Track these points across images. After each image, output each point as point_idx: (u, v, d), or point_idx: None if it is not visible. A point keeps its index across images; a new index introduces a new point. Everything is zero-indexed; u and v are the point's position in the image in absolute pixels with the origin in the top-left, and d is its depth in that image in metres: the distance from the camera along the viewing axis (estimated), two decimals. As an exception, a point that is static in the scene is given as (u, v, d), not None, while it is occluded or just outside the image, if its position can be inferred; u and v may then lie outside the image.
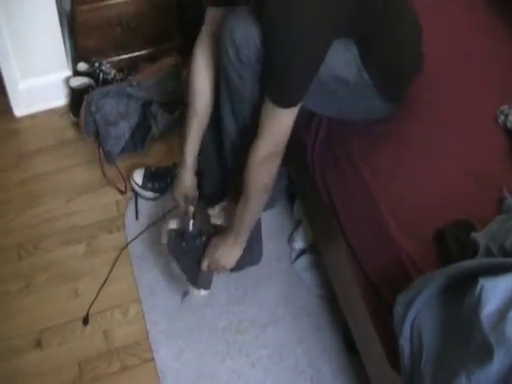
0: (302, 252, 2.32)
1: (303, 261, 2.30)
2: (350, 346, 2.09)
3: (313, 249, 2.30)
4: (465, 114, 1.88)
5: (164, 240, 2.02)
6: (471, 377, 1.18)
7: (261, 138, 1.67)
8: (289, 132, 1.67)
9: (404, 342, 1.39)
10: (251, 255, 2.01)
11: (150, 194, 2.43)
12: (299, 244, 2.33)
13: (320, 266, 2.27)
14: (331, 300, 2.19)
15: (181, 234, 1.99)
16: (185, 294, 2.14)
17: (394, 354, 1.50)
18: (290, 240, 2.36)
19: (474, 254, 1.39)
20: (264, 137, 1.67)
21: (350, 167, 1.82)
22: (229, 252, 1.91)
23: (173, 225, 2.01)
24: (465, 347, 1.23)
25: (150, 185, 2.42)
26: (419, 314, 1.36)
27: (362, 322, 1.79)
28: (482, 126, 1.85)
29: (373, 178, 1.75)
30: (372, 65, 1.70)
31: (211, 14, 1.84)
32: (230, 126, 1.87)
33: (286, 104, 1.60)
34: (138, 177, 2.42)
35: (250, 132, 1.74)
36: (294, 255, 2.33)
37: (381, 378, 1.81)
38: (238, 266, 1.99)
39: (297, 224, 2.39)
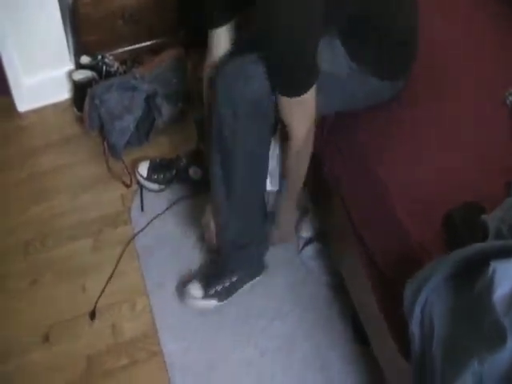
0: (309, 241, 2.30)
1: (310, 249, 2.29)
2: (359, 336, 2.07)
3: (320, 237, 2.29)
4: (472, 99, 1.86)
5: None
6: (483, 362, 1.16)
7: (293, 134, 1.72)
8: (314, 112, 1.70)
9: (414, 328, 1.37)
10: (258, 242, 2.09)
11: (155, 186, 2.42)
12: (306, 233, 2.31)
13: (327, 255, 2.25)
14: (339, 289, 2.17)
15: None
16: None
17: (405, 342, 1.48)
18: (297, 229, 2.33)
19: (483, 237, 1.37)
20: (294, 129, 1.72)
21: (355, 155, 1.81)
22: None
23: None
24: (476, 332, 1.21)
25: (155, 176, 2.40)
26: (429, 299, 1.34)
27: (372, 312, 1.78)
28: (489, 110, 1.83)
29: (380, 164, 1.74)
30: (358, 54, 1.70)
31: (214, 35, 1.84)
32: (218, 173, 1.88)
33: (300, 92, 1.61)
34: (143, 169, 2.40)
35: (236, 178, 1.84)
36: (300, 244, 2.31)
37: (393, 368, 1.79)
38: (247, 261, 2.11)
39: (303, 212, 2.37)
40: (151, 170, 2.40)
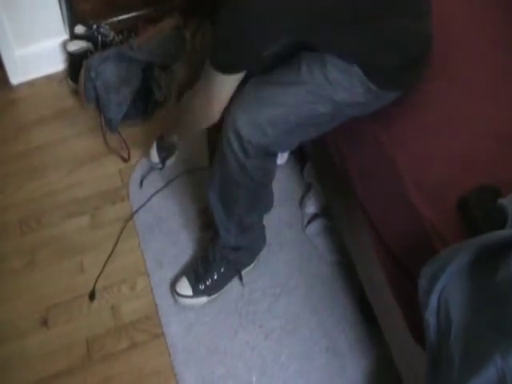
0: (314, 217, 2.24)
1: (315, 226, 2.23)
2: (366, 315, 2.02)
3: (325, 213, 2.23)
4: (486, 75, 1.77)
5: None
6: (507, 357, 1.09)
7: (199, 90, 1.70)
8: (222, 103, 1.67)
9: (430, 317, 1.31)
10: (250, 240, 2.04)
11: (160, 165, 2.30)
12: (310, 208, 2.25)
13: (333, 231, 2.19)
14: (345, 266, 2.12)
15: None
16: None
17: (417, 325, 1.44)
18: (301, 205, 2.28)
19: (502, 222, 1.30)
20: (200, 91, 1.69)
21: (365, 132, 1.72)
22: None
23: None
24: (499, 324, 1.14)
25: (163, 154, 2.25)
26: (446, 288, 1.27)
27: (381, 292, 1.72)
28: (504, 86, 1.74)
29: (390, 143, 1.65)
30: (377, 76, 1.61)
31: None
32: (215, 202, 1.88)
33: (220, 67, 1.57)
34: (155, 157, 2.22)
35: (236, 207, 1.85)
36: (305, 220, 2.25)
37: (402, 349, 1.74)
38: (248, 262, 2.08)
39: (307, 188, 2.30)
40: (160, 151, 2.21)
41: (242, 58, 1.55)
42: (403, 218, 1.57)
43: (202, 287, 2.02)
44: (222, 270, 2.02)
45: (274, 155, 1.75)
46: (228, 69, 1.56)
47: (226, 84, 1.61)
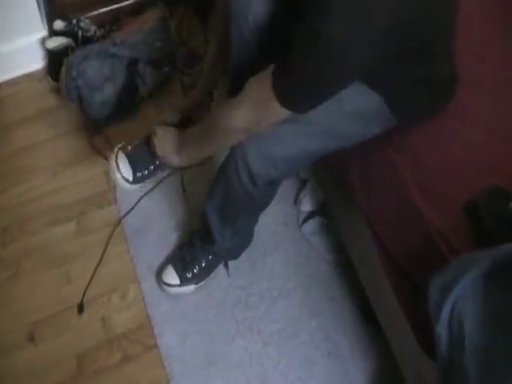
0: (310, 215, 2.16)
1: (311, 224, 2.15)
2: (368, 316, 1.94)
3: (322, 211, 2.14)
4: (495, 75, 1.68)
5: None
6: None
7: (246, 110, 1.49)
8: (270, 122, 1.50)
9: (441, 330, 1.24)
10: (242, 240, 1.99)
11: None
12: (306, 206, 2.17)
13: (330, 230, 2.11)
14: (344, 266, 2.05)
15: None
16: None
17: (424, 334, 1.40)
18: (297, 202, 2.19)
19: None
20: (251, 112, 1.48)
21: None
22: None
23: None
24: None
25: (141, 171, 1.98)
26: (459, 301, 1.20)
27: (385, 296, 1.65)
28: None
29: (392, 145, 1.57)
30: (400, 108, 1.54)
31: None
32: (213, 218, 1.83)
33: (291, 108, 1.40)
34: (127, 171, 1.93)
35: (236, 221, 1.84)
36: (301, 218, 2.17)
37: (409, 357, 1.67)
38: (234, 255, 2.01)
39: (303, 184, 2.21)
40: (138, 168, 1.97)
41: (320, 99, 1.40)
42: (407, 223, 1.50)
43: (189, 275, 1.96)
44: (210, 257, 1.96)
45: (278, 185, 1.72)
46: (297, 108, 1.42)
47: (280, 115, 1.44)
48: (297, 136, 1.54)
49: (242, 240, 1.98)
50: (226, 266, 2.02)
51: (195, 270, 1.96)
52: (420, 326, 1.47)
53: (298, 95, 1.38)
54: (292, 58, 1.32)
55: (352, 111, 1.51)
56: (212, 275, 2.00)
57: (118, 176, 1.83)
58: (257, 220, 1.92)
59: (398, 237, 1.53)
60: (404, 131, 1.60)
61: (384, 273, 1.61)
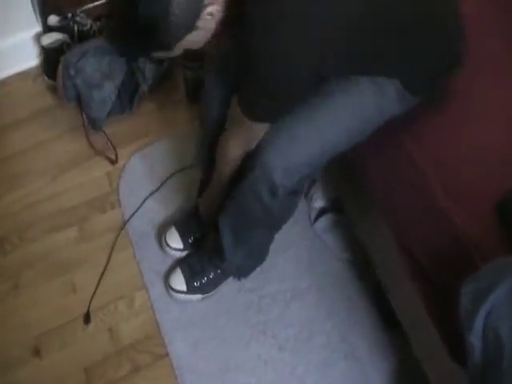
0: (322, 211, 2.07)
1: (324, 221, 2.07)
2: (385, 316, 1.88)
3: (334, 207, 2.06)
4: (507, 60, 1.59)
5: None
6: None
7: (232, 139, 1.56)
8: (261, 136, 1.50)
9: (474, 340, 1.16)
10: (255, 260, 1.92)
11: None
12: (318, 202, 2.09)
13: (343, 226, 2.03)
14: (358, 264, 1.98)
15: None
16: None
17: (451, 339, 1.36)
18: (308, 198, 2.11)
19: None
20: (235, 139, 1.55)
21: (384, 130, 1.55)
22: None
23: None
24: None
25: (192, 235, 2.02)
26: (495, 309, 1.12)
27: (407, 298, 1.59)
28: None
29: (413, 142, 1.48)
30: (416, 86, 1.47)
31: None
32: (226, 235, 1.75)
33: (261, 119, 1.45)
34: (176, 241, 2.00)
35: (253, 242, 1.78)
36: (312, 215, 2.08)
37: (432, 359, 1.61)
38: (244, 273, 1.94)
39: (312, 181, 2.12)
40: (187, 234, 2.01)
41: (285, 107, 1.41)
42: (430, 223, 1.42)
43: (196, 284, 1.89)
44: (219, 271, 1.89)
45: (300, 193, 1.64)
46: (268, 118, 1.44)
47: (260, 129, 1.49)
48: (320, 133, 1.47)
49: (255, 260, 1.91)
50: (239, 279, 1.95)
51: (203, 281, 1.89)
52: (447, 332, 1.41)
53: (257, 105, 1.40)
54: (242, 76, 1.38)
55: (372, 100, 1.46)
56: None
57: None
58: (273, 239, 1.83)
59: (422, 238, 1.45)
60: (421, 121, 1.52)
61: (407, 275, 1.54)
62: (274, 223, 1.71)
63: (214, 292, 1.91)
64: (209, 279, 1.88)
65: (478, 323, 1.14)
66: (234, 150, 1.56)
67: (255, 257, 1.88)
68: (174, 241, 1.96)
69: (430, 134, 1.50)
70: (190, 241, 1.96)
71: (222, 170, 1.65)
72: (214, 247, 1.83)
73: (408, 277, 1.54)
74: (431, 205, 1.39)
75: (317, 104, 1.46)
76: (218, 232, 1.75)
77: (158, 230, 2.04)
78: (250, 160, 1.52)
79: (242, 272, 1.92)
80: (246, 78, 1.37)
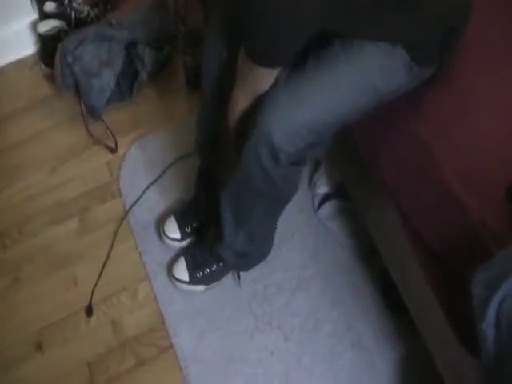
0: (326, 198, 2.04)
1: (328, 208, 2.03)
2: (391, 303, 1.85)
3: (339, 193, 2.02)
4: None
5: None
6: None
7: (240, 91, 1.49)
8: (269, 85, 1.45)
9: (487, 328, 1.14)
10: (256, 247, 1.84)
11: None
12: (322, 188, 2.05)
13: (348, 213, 2.00)
14: (365, 251, 1.94)
15: None
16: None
17: (462, 327, 1.33)
18: (311, 184, 2.07)
19: None
20: (243, 90, 1.49)
21: (393, 113, 1.51)
22: None
23: None
24: None
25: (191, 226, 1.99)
26: (508, 297, 1.10)
27: (417, 285, 1.55)
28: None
29: (422, 125, 1.43)
30: (419, 52, 1.41)
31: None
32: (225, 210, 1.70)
33: (270, 65, 1.39)
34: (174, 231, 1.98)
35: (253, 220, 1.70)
36: (316, 202, 2.05)
37: (442, 348, 1.57)
38: (244, 264, 1.88)
39: (317, 164, 2.09)
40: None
41: (285, 46, 1.34)
42: (442, 210, 1.37)
43: (199, 275, 1.86)
44: (221, 264, 1.86)
45: (303, 164, 1.56)
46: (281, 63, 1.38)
47: (267, 76, 1.43)
48: (323, 95, 1.42)
49: (256, 249, 1.85)
50: (238, 276, 1.90)
51: (205, 272, 1.86)
52: (458, 319, 1.37)
53: (263, 49, 1.34)
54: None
55: (377, 64, 1.40)
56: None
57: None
58: (275, 224, 1.79)
59: (433, 224, 1.41)
60: (430, 102, 1.47)
61: (416, 262, 1.51)
62: (276, 196, 1.63)
63: (216, 284, 1.88)
64: (211, 271, 1.85)
65: (491, 311, 1.12)
66: (242, 101, 1.50)
67: (256, 244, 1.82)
68: (172, 231, 1.93)
69: (440, 115, 1.45)
70: (187, 230, 1.93)
71: (232, 126, 1.59)
72: (214, 239, 1.79)
73: (417, 264, 1.50)
74: (442, 190, 1.35)
75: (321, 69, 1.41)
76: (218, 210, 1.71)
77: (157, 221, 2.01)
78: (251, 121, 1.47)
79: (243, 264, 1.88)
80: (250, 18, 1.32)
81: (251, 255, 1.85)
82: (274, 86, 1.43)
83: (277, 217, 1.76)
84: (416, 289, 1.59)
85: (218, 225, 1.73)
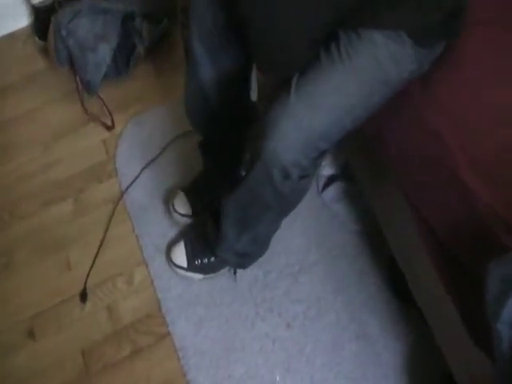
0: (331, 179, 1.97)
1: (333, 190, 1.96)
2: (397, 292, 1.79)
3: (344, 174, 1.95)
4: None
5: None
6: None
7: None
8: None
9: (503, 327, 1.07)
10: (257, 249, 1.79)
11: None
12: (327, 170, 1.98)
13: (354, 195, 1.93)
14: (371, 235, 1.87)
15: None
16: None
17: (474, 323, 1.27)
18: (316, 165, 1.99)
19: None
20: None
21: (401, 100, 1.43)
22: None
23: None
24: None
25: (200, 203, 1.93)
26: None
27: (426, 277, 1.49)
28: None
29: (430, 108, 1.35)
30: (422, 36, 1.33)
31: None
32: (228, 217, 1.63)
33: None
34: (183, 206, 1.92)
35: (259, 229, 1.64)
36: (321, 184, 1.98)
37: (452, 344, 1.51)
38: (244, 262, 1.81)
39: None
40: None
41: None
42: (452, 198, 1.30)
43: (197, 263, 1.80)
44: (220, 259, 1.80)
45: (312, 176, 1.48)
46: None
47: None
48: (336, 99, 1.34)
49: (257, 249, 1.78)
50: (235, 272, 1.84)
51: (204, 261, 1.79)
52: (469, 313, 1.31)
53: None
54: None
55: (386, 55, 1.33)
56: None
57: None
58: (279, 226, 1.71)
59: (444, 214, 1.34)
60: (442, 90, 1.38)
61: (425, 251, 1.43)
62: (284, 207, 1.58)
63: (214, 275, 1.82)
64: (209, 262, 1.79)
65: (508, 309, 1.05)
66: None
67: (259, 245, 1.76)
68: (183, 207, 1.87)
69: (449, 100, 1.37)
70: (199, 206, 1.87)
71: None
72: (214, 238, 1.73)
73: (426, 253, 1.43)
74: (452, 176, 1.27)
75: (329, 69, 1.33)
76: (219, 219, 1.64)
77: (158, 194, 1.95)
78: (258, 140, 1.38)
79: (242, 263, 1.81)
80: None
81: (251, 255, 1.79)
82: (285, 92, 1.34)
83: (281, 221, 1.68)
84: (425, 281, 1.53)
85: (219, 225, 1.67)
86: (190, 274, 1.80)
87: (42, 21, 2.18)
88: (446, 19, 1.34)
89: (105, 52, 2.06)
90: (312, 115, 1.31)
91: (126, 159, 2.04)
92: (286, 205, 1.54)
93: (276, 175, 1.35)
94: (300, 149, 1.32)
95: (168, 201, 1.90)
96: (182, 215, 1.87)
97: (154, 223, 1.92)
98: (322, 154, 1.38)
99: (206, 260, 1.79)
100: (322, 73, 1.33)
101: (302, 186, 1.46)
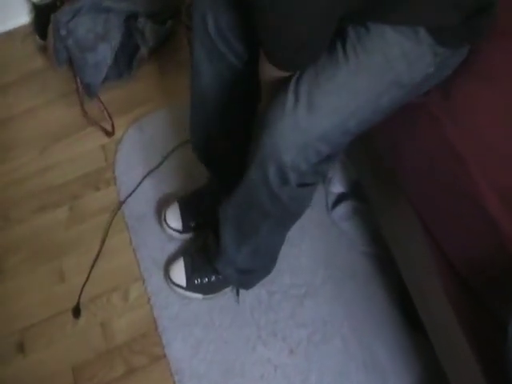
0: (342, 197, 1.90)
1: (343, 208, 1.89)
2: (410, 319, 1.70)
3: (355, 192, 1.89)
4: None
5: None
6: None
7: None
8: None
9: None
10: (264, 271, 1.73)
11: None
12: (337, 187, 1.91)
13: (365, 215, 1.86)
14: (382, 258, 1.80)
15: None
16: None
17: (489, 364, 1.21)
18: (325, 182, 1.92)
19: None
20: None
21: (415, 107, 1.36)
22: None
23: None
24: None
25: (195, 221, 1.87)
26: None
27: (439, 309, 1.41)
28: None
29: (456, 132, 1.27)
30: (442, 33, 1.25)
31: None
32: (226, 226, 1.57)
33: (293, 69, 1.29)
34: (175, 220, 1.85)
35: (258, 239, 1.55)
36: (330, 201, 1.91)
37: (460, 369, 1.43)
38: (249, 284, 1.75)
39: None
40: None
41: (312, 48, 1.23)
42: (471, 225, 1.24)
43: (197, 282, 1.72)
44: (221, 277, 1.72)
45: (314, 185, 1.42)
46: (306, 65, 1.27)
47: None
48: (345, 98, 1.27)
49: (260, 266, 1.71)
50: (237, 293, 1.76)
51: (204, 281, 1.72)
52: (485, 355, 1.23)
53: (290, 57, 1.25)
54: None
55: (398, 53, 1.26)
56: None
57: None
58: (283, 239, 1.64)
59: (461, 242, 1.27)
60: (462, 98, 1.31)
61: (438, 279, 1.36)
62: (284, 216, 1.50)
63: (214, 296, 1.74)
64: (210, 281, 1.71)
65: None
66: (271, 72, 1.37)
67: (261, 260, 1.68)
68: (174, 220, 1.79)
69: (475, 119, 1.29)
70: (191, 224, 1.80)
71: (266, 87, 1.45)
72: (214, 251, 1.65)
73: (439, 282, 1.36)
74: (472, 200, 1.20)
75: (335, 65, 1.27)
76: (218, 229, 1.58)
77: (158, 205, 1.87)
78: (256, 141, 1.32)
79: (244, 281, 1.74)
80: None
81: (254, 272, 1.71)
82: (284, 91, 1.28)
83: (285, 234, 1.61)
84: (438, 314, 1.46)
85: (218, 238, 1.60)
86: (188, 293, 1.72)
87: (42, 19, 2.13)
88: (470, 15, 1.25)
89: (105, 52, 2.00)
90: (311, 116, 1.24)
91: (125, 166, 1.97)
92: (285, 214, 1.47)
93: (272, 176, 1.29)
94: (298, 151, 1.25)
95: (161, 210, 1.83)
96: (172, 228, 1.80)
97: (152, 235, 1.84)
98: (324, 161, 1.30)
99: (206, 279, 1.71)
100: (324, 71, 1.26)
101: (302, 195, 1.39)
